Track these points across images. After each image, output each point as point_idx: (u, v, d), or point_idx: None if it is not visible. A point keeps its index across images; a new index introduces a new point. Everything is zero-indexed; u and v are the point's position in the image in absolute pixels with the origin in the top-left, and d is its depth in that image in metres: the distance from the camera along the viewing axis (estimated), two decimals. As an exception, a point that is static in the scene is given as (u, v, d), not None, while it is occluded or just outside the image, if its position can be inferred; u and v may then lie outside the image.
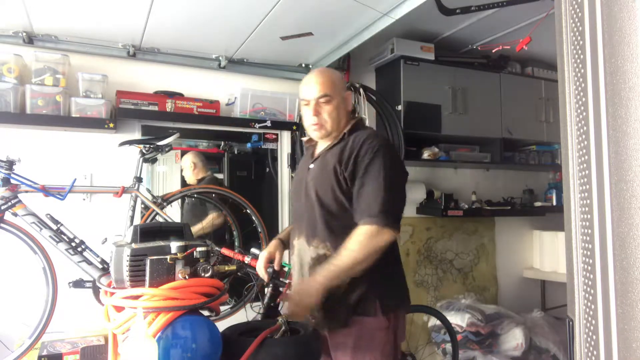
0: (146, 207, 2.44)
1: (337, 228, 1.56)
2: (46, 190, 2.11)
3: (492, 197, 3.67)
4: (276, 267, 1.79)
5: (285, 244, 1.85)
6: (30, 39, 2.43)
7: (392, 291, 1.61)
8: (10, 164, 2.05)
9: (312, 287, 1.42)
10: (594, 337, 0.72)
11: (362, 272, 1.48)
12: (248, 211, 2.66)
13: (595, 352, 0.72)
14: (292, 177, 1.97)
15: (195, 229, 2.71)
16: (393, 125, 2.96)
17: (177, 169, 2.84)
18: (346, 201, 1.56)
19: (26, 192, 2.08)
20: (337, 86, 1.66)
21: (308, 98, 1.64)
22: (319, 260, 1.57)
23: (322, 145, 1.72)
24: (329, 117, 1.63)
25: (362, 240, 1.45)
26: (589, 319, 0.72)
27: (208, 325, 1.12)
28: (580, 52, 0.73)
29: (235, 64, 2.89)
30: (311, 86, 1.64)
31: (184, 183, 2.81)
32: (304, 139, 1.87)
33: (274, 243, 1.85)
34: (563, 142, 0.79)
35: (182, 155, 2.83)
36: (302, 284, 1.54)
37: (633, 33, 0.61)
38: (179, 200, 2.67)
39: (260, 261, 1.79)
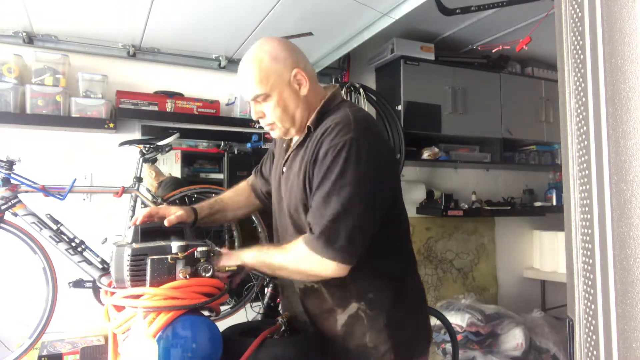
0: (146, 207, 2.44)
1: None
2: (46, 190, 2.11)
3: (492, 197, 3.67)
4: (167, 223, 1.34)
5: (198, 214, 1.46)
6: (30, 39, 2.43)
7: (407, 333, 1.30)
8: (10, 164, 2.05)
9: (235, 257, 1.23)
10: (594, 337, 0.72)
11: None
12: (248, 211, 2.66)
13: (595, 352, 0.72)
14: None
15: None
16: (393, 125, 2.96)
17: (178, 169, 2.83)
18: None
19: (26, 192, 2.08)
20: (271, 73, 1.25)
21: (246, 100, 1.38)
22: (307, 293, 1.32)
23: (294, 139, 1.38)
24: (274, 117, 1.28)
25: (298, 259, 1.17)
26: (589, 319, 0.72)
27: (208, 325, 1.12)
28: (580, 52, 0.73)
29: (235, 64, 2.85)
30: (243, 85, 1.29)
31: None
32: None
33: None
34: (563, 142, 0.79)
35: (182, 155, 2.82)
36: (228, 253, 1.25)
37: (633, 33, 0.61)
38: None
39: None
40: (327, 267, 1.13)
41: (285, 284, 1.42)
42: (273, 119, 1.29)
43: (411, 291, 1.35)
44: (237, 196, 1.64)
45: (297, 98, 1.29)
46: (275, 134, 1.36)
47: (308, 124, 1.29)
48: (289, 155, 1.36)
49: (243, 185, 1.68)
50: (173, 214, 1.34)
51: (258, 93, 1.26)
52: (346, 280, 1.20)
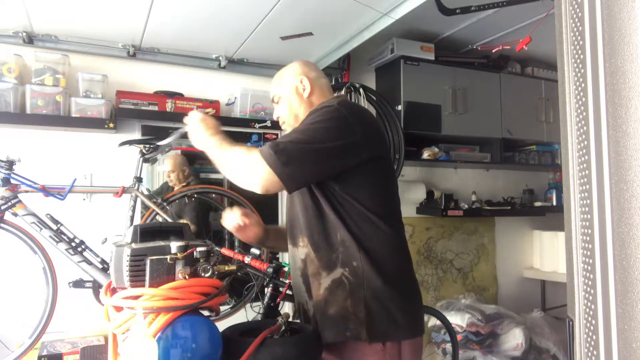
0: (146, 207, 2.44)
1: (318, 222, 1.40)
2: (46, 190, 2.11)
3: (492, 197, 3.67)
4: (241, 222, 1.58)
5: (267, 233, 1.67)
6: (30, 39, 2.43)
7: (393, 311, 1.36)
8: (10, 164, 2.04)
9: (199, 124, 1.44)
10: (594, 337, 0.72)
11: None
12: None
13: (595, 352, 0.72)
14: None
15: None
16: (393, 125, 2.96)
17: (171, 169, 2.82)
18: (318, 188, 1.38)
19: (26, 192, 2.08)
20: (283, 81, 1.58)
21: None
22: (307, 260, 1.43)
23: None
24: (282, 114, 1.57)
25: (243, 154, 1.34)
26: (589, 319, 0.72)
27: (208, 325, 1.12)
28: (580, 52, 0.73)
29: (235, 64, 2.89)
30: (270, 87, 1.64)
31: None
32: None
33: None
34: (563, 142, 0.79)
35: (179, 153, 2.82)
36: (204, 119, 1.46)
37: (633, 33, 0.61)
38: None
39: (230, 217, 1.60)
40: (260, 170, 1.26)
41: (292, 271, 1.54)
42: (281, 117, 1.58)
43: (397, 281, 1.40)
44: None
45: (301, 100, 1.54)
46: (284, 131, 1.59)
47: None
48: None
49: None
50: (252, 223, 1.60)
51: (274, 94, 1.59)
52: (334, 246, 1.37)
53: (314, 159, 1.30)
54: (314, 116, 1.38)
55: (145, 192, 2.42)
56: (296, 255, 1.48)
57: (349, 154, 1.34)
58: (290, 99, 1.55)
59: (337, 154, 1.32)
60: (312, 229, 1.40)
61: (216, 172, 2.93)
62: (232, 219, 1.58)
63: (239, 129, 2.83)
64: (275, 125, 2.94)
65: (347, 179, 1.36)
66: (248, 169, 1.29)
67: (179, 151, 2.80)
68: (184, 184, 2.77)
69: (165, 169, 2.78)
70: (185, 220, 2.73)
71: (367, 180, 1.39)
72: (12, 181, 2.05)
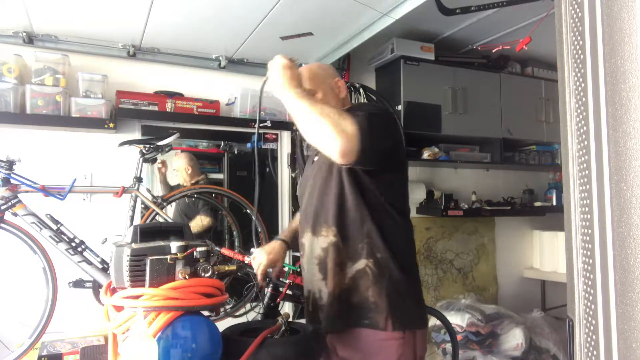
0: (146, 207, 2.44)
1: (345, 211, 1.45)
2: (46, 190, 2.11)
3: (492, 197, 3.67)
4: (274, 276, 1.74)
5: (289, 245, 1.78)
6: (30, 39, 2.43)
7: (409, 301, 1.46)
8: (10, 164, 2.05)
9: (283, 72, 1.35)
10: (594, 337, 0.72)
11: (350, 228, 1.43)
12: (248, 211, 2.66)
13: (595, 352, 0.72)
14: (292, 176, 1.88)
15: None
16: (393, 125, 2.95)
17: (180, 167, 2.83)
18: (350, 179, 1.43)
19: (26, 192, 2.08)
20: (319, 76, 1.58)
21: None
22: (329, 250, 1.46)
23: None
24: None
25: (334, 115, 1.29)
26: (589, 319, 0.72)
27: (208, 325, 1.12)
28: (580, 52, 0.73)
29: (235, 64, 2.89)
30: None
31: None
32: None
33: (277, 246, 1.75)
34: (563, 142, 0.79)
35: (182, 153, 2.83)
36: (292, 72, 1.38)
37: (633, 33, 0.61)
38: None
39: (259, 265, 1.70)
40: (349, 134, 1.25)
41: (306, 259, 1.56)
42: None
43: (411, 273, 1.49)
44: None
45: (337, 99, 1.59)
46: None
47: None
48: None
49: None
50: (279, 266, 1.74)
51: (306, 88, 1.48)
52: (361, 237, 1.43)
53: (385, 147, 1.39)
54: (370, 109, 1.45)
55: (145, 192, 2.42)
56: (315, 244, 1.50)
57: (398, 151, 1.49)
58: (327, 97, 1.56)
59: (392, 148, 1.43)
60: (343, 220, 1.44)
61: (216, 172, 2.96)
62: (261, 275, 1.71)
63: (239, 128, 2.83)
64: (276, 125, 2.95)
65: (379, 175, 1.44)
66: (336, 127, 1.25)
67: (179, 150, 2.80)
68: (193, 182, 2.78)
69: (177, 167, 2.79)
70: (203, 216, 2.75)
71: (393, 177, 1.49)
72: (12, 181, 2.05)
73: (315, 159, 1.61)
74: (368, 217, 1.43)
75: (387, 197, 1.45)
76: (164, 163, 2.76)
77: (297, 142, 2.92)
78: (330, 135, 1.25)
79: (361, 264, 1.42)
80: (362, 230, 1.43)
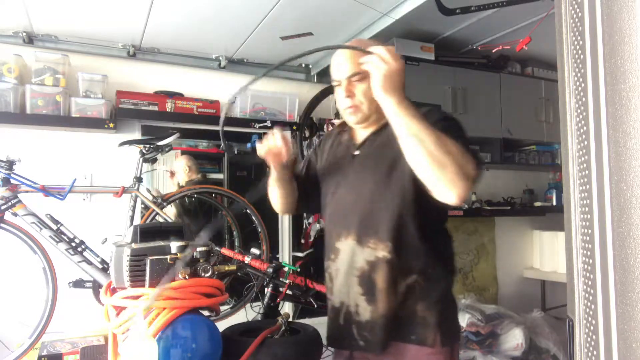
0: (146, 207, 2.44)
1: (403, 225, 1.30)
2: (46, 190, 2.11)
3: (492, 197, 3.67)
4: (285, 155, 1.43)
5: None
6: (30, 39, 2.43)
7: (452, 316, 1.38)
8: (10, 164, 2.05)
9: (398, 78, 1.13)
10: (594, 337, 0.72)
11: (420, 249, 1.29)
12: (248, 211, 2.66)
13: (595, 352, 0.72)
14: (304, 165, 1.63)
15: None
16: (393, 125, 2.95)
17: (180, 168, 2.84)
18: (414, 188, 1.25)
19: (26, 192, 2.08)
20: None
21: (338, 78, 1.37)
22: (377, 265, 1.31)
23: (363, 132, 1.44)
24: (365, 97, 1.33)
25: (452, 144, 1.13)
26: (589, 319, 0.71)
27: (208, 325, 1.12)
28: (580, 52, 0.73)
29: (235, 64, 2.89)
30: (341, 64, 1.37)
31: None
32: (336, 121, 1.62)
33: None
34: (563, 142, 0.79)
35: (181, 155, 2.83)
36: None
37: (633, 33, 0.61)
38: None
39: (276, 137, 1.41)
40: (470, 162, 1.14)
41: (341, 267, 1.40)
42: (362, 99, 1.35)
43: (452, 284, 1.42)
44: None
45: None
46: (353, 118, 1.39)
47: None
48: (365, 140, 1.41)
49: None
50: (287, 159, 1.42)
51: (357, 71, 1.32)
52: (416, 253, 1.31)
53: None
54: (450, 123, 1.28)
55: (145, 192, 2.42)
56: (358, 254, 1.34)
57: None
58: None
59: None
60: (401, 235, 1.31)
61: (216, 172, 2.96)
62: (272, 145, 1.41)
63: (239, 129, 2.83)
64: (276, 125, 2.93)
65: None
66: (461, 171, 1.11)
67: (179, 151, 2.80)
68: (188, 180, 2.79)
69: (176, 168, 2.80)
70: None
71: None
72: (12, 181, 2.05)
73: (356, 152, 1.43)
74: (426, 231, 1.31)
75: (440, 210, 1.35)
76: (172, 173, 2.80)
77: (297, 141, 2.92)
78: (451, 181, 1.11)
79: (411, 279, 1.32)
80: (420, 247, 1.31)
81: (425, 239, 1.32)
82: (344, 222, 1.39)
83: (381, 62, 1.13)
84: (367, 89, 1.28)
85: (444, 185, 1.12)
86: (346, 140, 1.50)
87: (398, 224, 1.30)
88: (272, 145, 1.40)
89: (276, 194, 1.53)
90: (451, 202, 1.14)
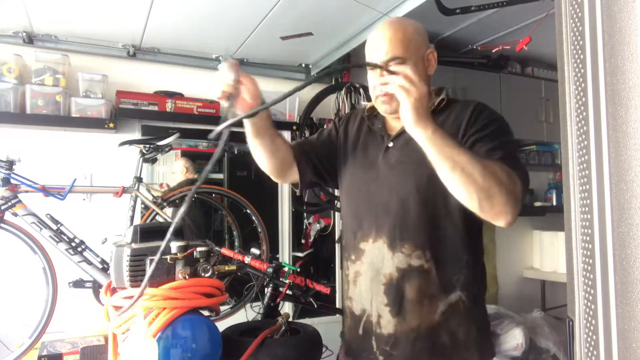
0: (146, 207, 2.44)
1: (445, 232, 1.19)
2: (46, 190, 2.11)
3: (492, 197, 3.66)
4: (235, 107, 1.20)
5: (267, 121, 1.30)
6: (30, 39, 2.43)
7: (489, 335, 1.29)
8: (10, 164, 2.05)
9: (424, 121, 1.01)
10: (594, 337, 0.72)
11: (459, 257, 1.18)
12: (248, 211, 2.66)
13: (595, 352, 0.72)
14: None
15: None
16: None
17: (178, 169, 2.84)
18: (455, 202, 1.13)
19: (26, 192, 2.08)
20: (413, 43, 1.22)
21: (374, 61, 1.20)
22: (409, 275, 1.18)
23: (397, 122, 1.27)
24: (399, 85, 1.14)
25: (492, 166, 1.03)
26: (589, 319, 0.71)
27: (208, 325, 1.12)
28: (580, 52, 0.73)
29: (235, 64, 2.89)
30: (378, 45, 1.20)
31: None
32: (366, 104, 1.41)
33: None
34: (563, 142, 0.78)
35: (182, 155, 2.83)
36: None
37: (633, 33, 0.61)
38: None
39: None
40: (518, 183, 1.05)
41: (364, 271, 1.25)
42: (395, 86, 1.11)
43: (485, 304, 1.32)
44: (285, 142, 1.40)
45: (425, 75, 1.29)
46: (386, 108, 1.24)
47: (436, 100, 1.29)
48: (401, 132, 1.24)
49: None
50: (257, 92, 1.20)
51: (396, 55, 1.18)
52: (459, 265, 1.19)
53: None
54: (501, 125, 1.19)
55: (145, 192, 2.42)
56: (387, 258, 1.21)
57: None
58: (419, 69, 1.19)
59: None
60: (440, 243, 1.18)
61: (216, 172, 2.96)
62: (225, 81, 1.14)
63: (239, 129, 2.82)
64: (276, 125, 2.93)
65: None
66: (510, 195, 1.03)
67: (178, 151, 2.80)
68: (184, 179, 2.80)
69: (175, 170, 2.82)
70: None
71: None
72: (12, 181, 2.05)
73: (390, 144, 1.28)
74: (467, 241, 1.20)
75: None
76: (161, 185, 2.86)
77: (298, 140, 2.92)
78: (500, 211, 1.04)
79: (455, 296, 1.18)
80: (462, 257, 1.19)
81: (468, 251, 1.20)
82: (374, 222, 1.24)
83: (411, 85, 1.00)
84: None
85: (493, 215, 1.05)
86: (378, 128, 1.33)
87: (438, 232, 1.18)
88: (225, 84, 1.14)
89: (259, 153, 1.33)
90: (504, 224, 1.08)
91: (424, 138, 1.01)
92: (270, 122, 1.31)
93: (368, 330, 1.24)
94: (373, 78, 1.23)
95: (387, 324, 1.20)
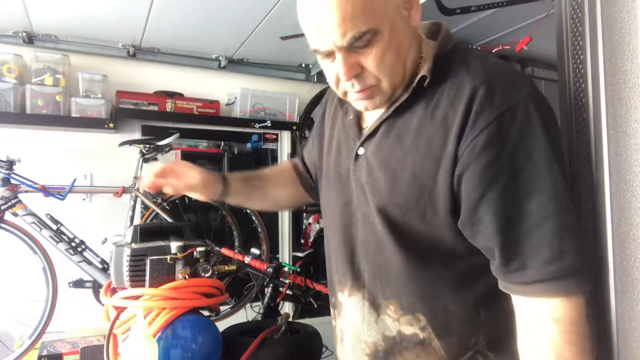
0: (146, 207, 2.44)
1: (440, 286, 0.81)
2: (46, 190, 2.11)
3: (492, 197, 3.66)
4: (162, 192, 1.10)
5: (228, 182, 1.10)
6: (30, 39, 2.43)
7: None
8: (10, 164, 2.05)
9: None
10: (594, 336, 0.72)
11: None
12: (248, 211, 2.66)
13: (595, 352, 0.72)
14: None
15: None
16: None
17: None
18: (453, 228, 0.78)
19: (26, 192, 2.08)
20: (379, 5, 0.73)
21: (324, 49, 0.77)
22: (401, 346, 0.83)
23: (372, 113, 0.87)
24: (384, 68, 0.76)
25: (574, 329, 0.69)
26: (589, 318, 0.72)
27: (208, 325, 1.12)
28: (580, 52, 0.73)
29: (235, 64, 2.89)
30: (323, 24, 0.73)
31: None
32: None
33: (197, 171, 1.10)
34: (563, 142, 0.79)
35: (182, 155, 2.83)
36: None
37: (633, 33, 0.61)
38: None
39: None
40: (577, 305, 0.69)
41: (347, 331, 0.91)
42: (380, 73, 0.77)
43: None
44: (280, 174, 1.17)
45: (410, 32, 0.80)
46: (372, 103, 0.81)
47: (423, 73, 0.77)
48: (375, 129, 0.84)
49: (285, 164, 1.23)
50: (187, 179, 1.02)
51: (362, 30, 0.72)
52: (471, 327, 0.82)
53: (575, 228, 0.71)
54: (537, 137, 0.69)
55: (145, 192, 2.42)
56: (369, 322, 0.87)
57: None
58: (397, 34, 0.75)
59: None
60: (435, 301, 0.82)
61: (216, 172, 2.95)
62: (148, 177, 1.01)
63: (239, 129, 2.84)
64: (276, 125, 2.95)
65: None
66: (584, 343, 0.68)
67: (178, 151, 2.80)
68: None
69: None
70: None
71: None
72: (12, 181, 2.05)
73: (360, 151, 0.87)
74: (479, 292, 0.82)
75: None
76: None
77: (298, 141, 2.92)
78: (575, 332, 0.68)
79: (468, 355, 0.83)
80: (473, 315, 0.82)
81: (484, 303, 0.82)
82: (349, 266, 0.89)
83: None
84: (385, 49, 0.75)
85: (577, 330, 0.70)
86: (349, 122, 0.92)
87: (431, 288, 0.81)
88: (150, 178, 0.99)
89: (251, 204, 1.19)
90: None
91: None
92: (230, 187, 1.08)
93: None
94: (331, 69, 0.80)
95: None
